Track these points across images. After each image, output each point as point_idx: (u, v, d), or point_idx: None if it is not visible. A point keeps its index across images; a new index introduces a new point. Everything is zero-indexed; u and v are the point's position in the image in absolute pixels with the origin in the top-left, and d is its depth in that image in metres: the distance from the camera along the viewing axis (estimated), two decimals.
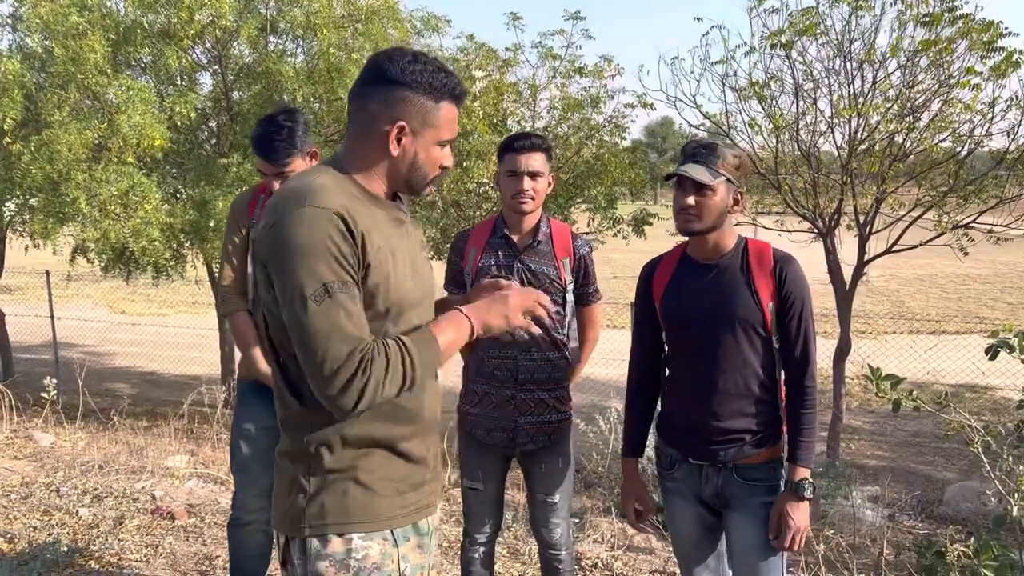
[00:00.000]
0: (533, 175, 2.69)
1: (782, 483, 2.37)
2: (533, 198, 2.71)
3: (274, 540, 1.79)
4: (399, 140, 1.67)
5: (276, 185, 2.81)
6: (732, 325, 2.32)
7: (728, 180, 2.30)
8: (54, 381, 6.89)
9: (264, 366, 2.78)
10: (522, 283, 2.68)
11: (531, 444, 2.80)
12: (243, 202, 2.97)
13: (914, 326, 13.20)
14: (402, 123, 1.66)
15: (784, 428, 2.39)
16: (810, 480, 2.31)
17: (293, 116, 2.82)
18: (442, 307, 1.91)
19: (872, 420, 9.36)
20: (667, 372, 2.54)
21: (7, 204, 9.09)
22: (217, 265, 7.51)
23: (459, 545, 3.21)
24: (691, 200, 2.28)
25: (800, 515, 2.29)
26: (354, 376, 1.50)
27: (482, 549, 2.87)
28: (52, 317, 10.22)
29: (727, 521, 2.44)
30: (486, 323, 1.74)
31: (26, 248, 9.00)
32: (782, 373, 2.40)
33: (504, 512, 3.02)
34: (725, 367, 2.34)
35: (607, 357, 10.17)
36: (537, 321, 2.67)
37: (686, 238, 2.44)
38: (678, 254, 2.50)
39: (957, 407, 4.22)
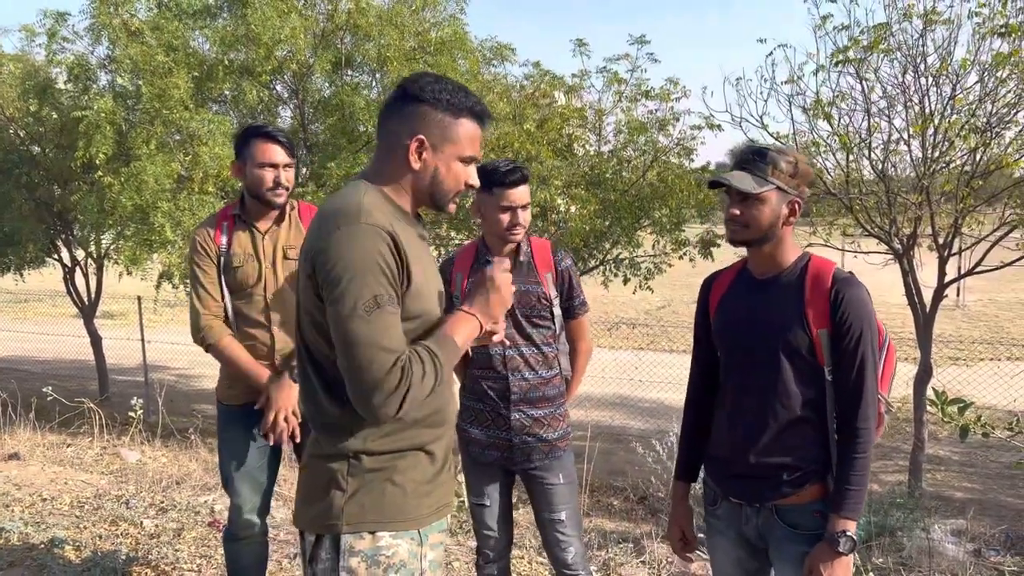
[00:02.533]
0: (524, 207, 2.76)
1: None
2: (525, 228, 2.79)
3: (291, 541, 1.86)
4: (420, 154, 1.75)
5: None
6: (775, 348, 2.13)
7: (780, 188, 2.11)
8: (140, 401, 7.26)
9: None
10: None
11: (528, 463, 2.82)
12: (208, 233, 2.91)
13: (1013, 352, 12.49)
14: (421, 136, 1.74)
15: (833, 471, 2.15)
16: (851, 534, 2.05)
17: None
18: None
19: (962, 450, 8.88)
20: (719, 395, 2.35)
21: (104, 235, 9.70)
22: None
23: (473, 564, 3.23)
24: (736, 210, 2.13)
25: (834, 571, 2.06)
26: (398, 385, 1.60)
27: (496, 566, 2.89)
28: (143, 341, 10.77)
29: (775, 569, 2.25)
30: (492, 316, 1.84)
31: (120, 275, 9.54)
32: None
33: (514, 529, 3.03)
34: (765, 394, 2.15)
35: (672, 382, 10.06)
36: (526, 338, 2.76)
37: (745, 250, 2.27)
38: (738, 267, 2.34)
39: None
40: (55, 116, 8.85)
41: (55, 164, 9.29)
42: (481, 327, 1.82)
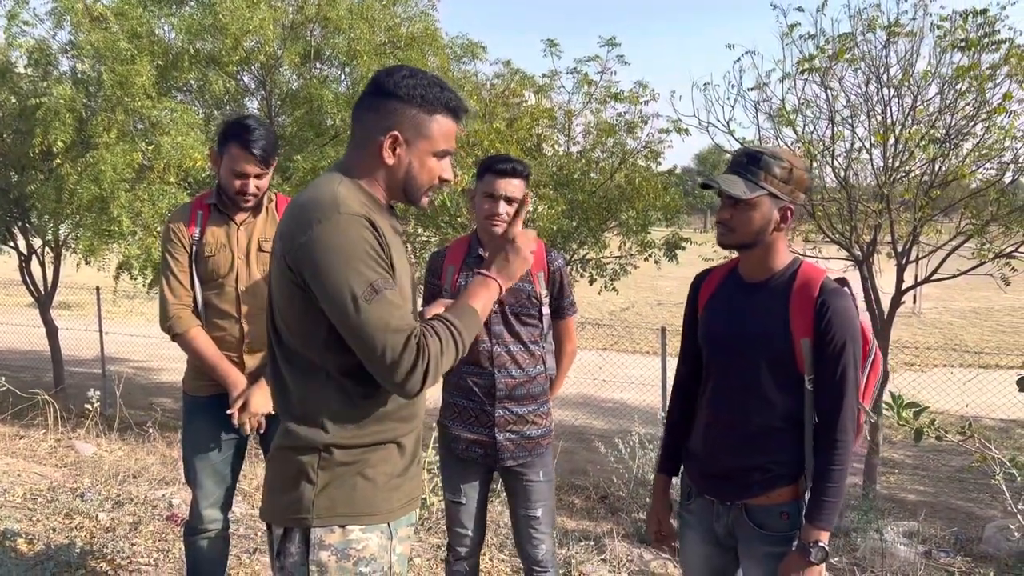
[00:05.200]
0: (510, 200, 2.72)
1: (796, 539, 2.11)
2: (507, 221, 2.75)
3: (266, 533, 1.83)
4: (394, 150, 1.74)
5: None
6: (757, 353, 2.11)
7: (772, 194, 2.06)
8: (97, 393, 7.11)
9: (236, 375, 2.81)
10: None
11: (511, 460, 2.81)
12: (182, 222, 2.86)
13: (966, 359, 12.81)
14: (395, 133, 1.73)
15: (805, 475, 2.14)
16: (823, 544, 2.04)
17: (267, 123, 2.84)
18: None
19: (915, 454, 9.09)
20: (700, 393, 2.33)
21: (62, 224, 9.49)
22: None
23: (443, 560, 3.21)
24: (726, 213, 2.10)
25: None
26: (416, 362, 1.60)
27: (466, 563, 2.88)
28: (100, 332, 10.59)
29: (742, 567, 2.26)
30: (511, 276, 1.84)
31: (77, 265, 9.36)
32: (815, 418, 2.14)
33: (487, 528, 3.02)
34: (743, 397, 2.14)
35: (635, 382, 10.14)
36: (514, 335, 2.72)
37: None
38: (729, 267, 2.31)
39: (982, 438, 4.08)
40: (13, 100, 8.64)
41: (13, 150, 9.06)
42: (501, 289, 1.82)
